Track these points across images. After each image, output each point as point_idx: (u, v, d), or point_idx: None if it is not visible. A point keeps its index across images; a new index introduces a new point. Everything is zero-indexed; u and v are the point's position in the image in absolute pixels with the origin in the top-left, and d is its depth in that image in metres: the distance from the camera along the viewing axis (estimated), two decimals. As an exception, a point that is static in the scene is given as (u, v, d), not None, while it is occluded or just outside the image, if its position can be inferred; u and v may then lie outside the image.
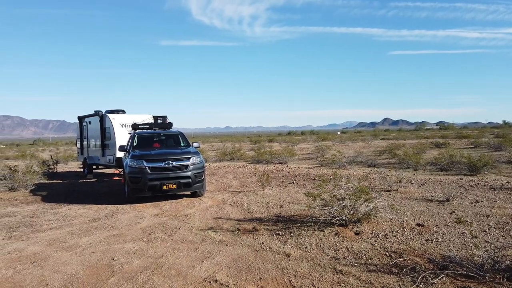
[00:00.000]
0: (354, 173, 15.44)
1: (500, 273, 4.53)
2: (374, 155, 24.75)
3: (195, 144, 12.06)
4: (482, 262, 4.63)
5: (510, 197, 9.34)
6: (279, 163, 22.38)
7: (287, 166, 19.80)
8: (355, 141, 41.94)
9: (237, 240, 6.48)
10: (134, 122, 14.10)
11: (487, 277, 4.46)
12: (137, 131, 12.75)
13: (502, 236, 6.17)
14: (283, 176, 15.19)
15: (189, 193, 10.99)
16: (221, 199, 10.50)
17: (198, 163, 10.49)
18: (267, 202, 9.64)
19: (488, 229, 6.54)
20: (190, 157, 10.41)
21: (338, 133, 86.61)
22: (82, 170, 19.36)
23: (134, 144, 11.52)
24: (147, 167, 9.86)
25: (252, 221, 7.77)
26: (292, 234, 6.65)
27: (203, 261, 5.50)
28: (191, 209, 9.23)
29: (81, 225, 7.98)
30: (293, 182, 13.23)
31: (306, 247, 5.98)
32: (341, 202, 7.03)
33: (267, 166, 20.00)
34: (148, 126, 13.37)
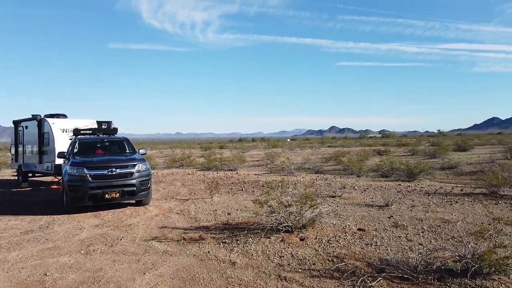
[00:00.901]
0: (302, 179, 15.80)
1: (432, 274, 4.83)
2: (321, 162, 25.54)
3: (142, 151, 11.68)
4: (416, 264, 4.92)
5: (442, 202, 10.05)
6: (229, 170, 22.35)
7: (237, 173, 19.82)
8: (303, 148, 43.01)
9: (182, 250, 6.33)
10: (76, 127, 13.38)
11: (420, 278, 4.73)
12: (78, 136, 12.10)
13: (435, 238, 6.60)
14: (232, 183, 15.16)
15: (133, 201, 10.59)
16: (167, 207, 10.24)
17: (144, 170, 10.17)
18: (215, 210, 9.56)
19: (422, 232, 6.98)
20: (136, 164, 10.06)
21: (288, 140, 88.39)
22: (16, 178, 17.99)
23: (75, 150, 10.92)
24: (88, 175, 9.38)
25: (198, 229, 7.66)
26: (238, 242, 6.64)
27: (145, 273, 5.31)
28: (135, 219, 8.89)
29: (11, 238, 7.37)
30: (242, 189, 13.25)
31: (252, 254, 5.99)
32: (287, 208, 7.15)
33: (217, 173, 19.88)
34: (91, 132, 12.74)
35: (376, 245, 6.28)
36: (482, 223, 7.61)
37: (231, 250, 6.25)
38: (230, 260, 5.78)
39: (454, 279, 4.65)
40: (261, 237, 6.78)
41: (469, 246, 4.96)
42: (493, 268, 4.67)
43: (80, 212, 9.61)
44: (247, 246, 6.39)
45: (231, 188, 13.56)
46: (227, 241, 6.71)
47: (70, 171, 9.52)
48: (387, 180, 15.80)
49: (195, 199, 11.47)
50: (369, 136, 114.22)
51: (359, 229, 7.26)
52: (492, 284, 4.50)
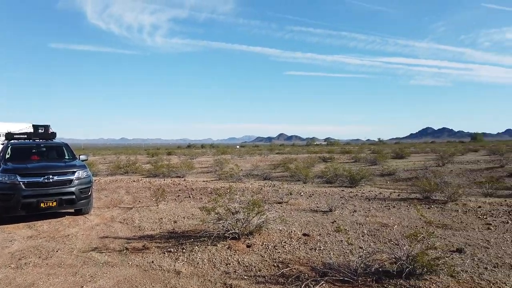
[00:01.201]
0: (250, 186, 15.89)
1: (370, 276, 5.07)
2: (270, 168, 25.89)
3: (82, 157, 11.08)
4: (356, 267, 5.13)
5: (381, 207, 10.61)
6: (177, 176, 21.92)
7: (184, 180, 19.48)
8: (252, 155, 43.35)
9: (125, 261, 6.08)
10: (9, 131, 12.39)
11: (359, 281, 4.95)
12: (11, 141, 11.22)
13: (374, 242, 6.94)
14: (179, 190, 14.87)
15: (72, 210, 10.00)
16: (109, 216, 9.79)
17: (84, 177, 9.64)
18: (161, 218, 9.30)
19: (362, 236, 7.32)
20: (75, 171, 9.52)
21: (237, 147, 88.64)
22: None
23: (7, 156, 10.11)
24: (21, 183, 8.70)
25: (142, 239, 7.40)
26: (184, 250, 6.51)
27: (82, 286, 5.01)
28: (73, 229, 8.39)
29: None
30: (190, 196, 13.04)
31: (198, 263, 5.90)
32: (235, 215, 7.15)
33: (164, 180, 19.39)
34: (26, 136, 11.87)
35: (320, 249, 6.47)
36: (416, 226, 8.14)
37: (176, 259, 6.11)
38: (175, 269, 5.65)
39: (391, 280, 4.92)
40: (208, 245, 6.71)
41: (404, 248, 5.28)
42: (425, 269, 5.00)
43: (12, 223, 8.88)
44: (193, 254, 6.28)
45: (178, 196, 13.30)
46: (172, 250, 6.56)
47: (1, 179, 8.78)
48: (331, 186, 16.37)
49: (139, 207, 11.08)
50: (315, 143, 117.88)
51: (304, 234, 7.44)
52: (424, 283, 4.82)
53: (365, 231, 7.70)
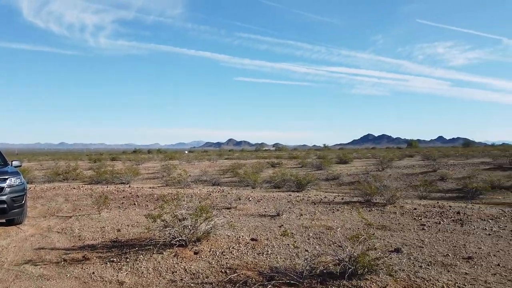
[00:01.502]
0: (198, 192, 15.69)
1: (315, 278, 5.22)
2: (219, 174, 25.78)
3: (15, 163, 10.26)
4: (302, 270, 5.25)
5: (326, 210, 10.98)
6: (121, 183, 21.08)
7: (129, 187, 18.77)
8: (201, 161, 42.87)
9: (62, 273, 5.71)
10: None
11: (305, 283, 5.06)
12: None
13: (319, 244, 7.16)
14: (124, 197, 14.29)
15: (4, 221, 9.21)
16: (46, 226, 9.15)
17: (17, 185, 8.94)
18: (103, 227, 8.87)
19: (308, 239, 7.52)
20: (7, 178, 8.80)
21: (186, 152, 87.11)
22: None
23: None
24: None
25: (83, 249, 7.00)
26: (128, 259, 6.25)
27: (14, 303, 4.63)
28: (4, 241, 7.72)
29: None
30: (135, 204, 12.58)
31: (142, 272, 5.70)
32: (182, 222, 7.00)
33: (107, 187, 18.53)
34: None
35: (267, 253, 6.54)
36: (358, 228, 8.51)
37: (119, 269, 5.85)
38: (118, 280, 5.41)
39: (334, 281, 5.10)
40: (153, 253, 6.51)
41: (347, 250, 5.49)
42: (366, 269, 5.24)
43: None
44: (138, 263, 6.06)
45: (123, 203, 12.77)
46: (115, 259, 6.27)
47: None
48: (279, 191, 16.66)
49: (80, 215, 10.48)
50: (264, 149, 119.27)
51: (252, 239, 7.48)
52: (365, 283, 5.05)
53: (311, 234, 7.91)
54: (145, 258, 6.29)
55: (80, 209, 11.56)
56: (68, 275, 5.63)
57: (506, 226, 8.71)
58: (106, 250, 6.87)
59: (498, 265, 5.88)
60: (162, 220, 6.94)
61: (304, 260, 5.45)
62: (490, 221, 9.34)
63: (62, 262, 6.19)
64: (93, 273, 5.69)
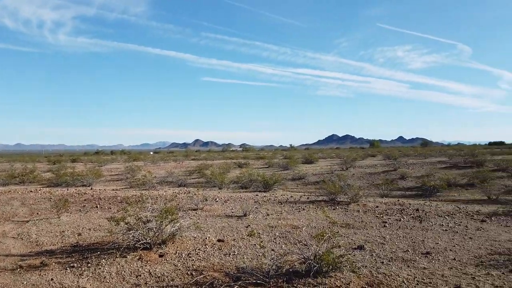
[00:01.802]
0: (164, 193, 15.41)
1: (282, 277, 5.26)
2: (185, 175, 25.46)
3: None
4: (268, 269, 5.29)
5: (292, 209, 11.11)
6: (83, 185, 20.34)
7: (91, 189, 18.10)
8: (167, 162, 42.15)
9: (18, 280, 5.42)
10: None
11: (271, 282, 5.10)
12: None
13: (285, 243, 7.23)
14: (85, 200, 13.77)
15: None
16: (0, 231, 8.65)
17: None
18: (63, 231, 8.50)
19: (275, 239, 7.58)
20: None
21: (151, 153, 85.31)
22: None
23: None
24: None
25: (40, 254, 6.68)
26: (90, 264, 6.03)
27: (-37, 315, 4.35)
28: (-47, 248, 7.23)
29: None
30: (97, 206, 12.16)
31: (105, 277, 5.52)
32: (146, 224, 6.85)
33: (67, 190, 17.78)
34: None
35: (234, 254, 6.52)
36: (323, 227, 8.68)
37: (80, 274, 5.64)
38: (79, 286, 5.21)
39: (300, 280, 5.17)
40: (116, 257, 6.32)
41: (312, 248, 5.59)
42: (330, 266, 5.35)
43: None
44: (100, 268, 5.86)
45: (84, 206, 12.31)
46: (75, 265, 6.03)
47: None
48: (246, 191, 16.67)
49: (38, 220, 9.99)
50: (231, 149, 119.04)
51: (219, 240, 7.44)
52: (330, 280, 5.16)
53: (277, 234, 7.98)
54: (108, 263, 6.10)
55: (38, 213, 11.02)
56: (25, 282, 5.36)
57: (461, 222, 9.19)
58: (66, 255, 6.60)
59: (454, 259, 6.19)
60: (126, 223, 6.76)
61: (270, 260, 5.49)
62: (447, 217, 9.82)
63: (18, 269, 5.88)
64: (52, 279, 5.44)
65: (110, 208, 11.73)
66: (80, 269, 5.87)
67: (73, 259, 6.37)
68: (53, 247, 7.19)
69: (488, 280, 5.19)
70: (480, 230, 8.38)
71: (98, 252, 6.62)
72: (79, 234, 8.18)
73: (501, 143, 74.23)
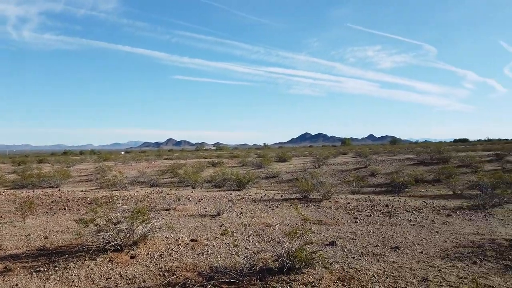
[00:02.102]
0: (135, 194, 15.10)
1: (255, 275, 5.28)
2: (157, 174, 25.06)
3: None
4: (242, 268, 5.29)
5: (266, 207, 11.17)
6: (50, 187, 19.64)
7: (59, 190, 17.51)
8: (139, 161, 41.34)
9: (-21, 287, 5.17)
10: None
11: (245, 281, 5.10)
12: None
13: (258, 241, 7.26)
14: (53, 202, 13.29)
15: None
16: (-40, 237, 8.22)
17: None
18: (28, 235, 8.17)
19: (248, 237, 7.59)
20: None
21: (122, 152, 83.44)
22: None
23: None
24: None
25: (4, 259, 6.39)
26: (57, 268, 5.83)
27: None
28: None
29: None
30: (65, 208, 11.77)
31: (73, 280, 5.35)
32: (117, 226, 6.69)
33: (33, 191, 17.10)
34: None
35: (207, 253, 6.49)
36: (296, 224, 8.78)
37: (46, 279, 5.44)
38: (45, 291, 5.02)
39: (273, 277, 5.21)
40: (86, 259, 6.14)
41: (285, 245, 5.64)
42: (303, 263, 5.42)
43: None
44: (68, 272, 5.67)
45: (51, 208, 11.89)
46: (42, 269, 5.82)
47: None
48: (220, 190, 16.60)
49: (1, 223, 9.55)
50: (204, 148, 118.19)
51: (192, 240, 7.37)
52: (302, 277, 5.23)
53: (251, 232, 8.00)
54: (77, 266, 5.92)
55: (1, 216, 10.54)
56: (-14, 289, 5.12)
57: (428, 217, 9.52)
58: (32, 260, 6.34)
59: (421, 252, 6.41)
60: (95, 224, 6.58)
61: (244, 258, 5.50)
62: (415, 212, 10.15)
63: (-21, 276, 5.60)
64: (17, 285, 5.23)
65: (79, 210, 11.38)
66: (47, 273, 5.66)
67: (40, 263, 6.14)
68: (18, 251, 6.90)
69: (453, 272, 5.41)
70: (446, 224, 8.72)
71: (66, 255, 6.41)
72: (46, 237, 7.89)
73: (465, 140, 77.44)
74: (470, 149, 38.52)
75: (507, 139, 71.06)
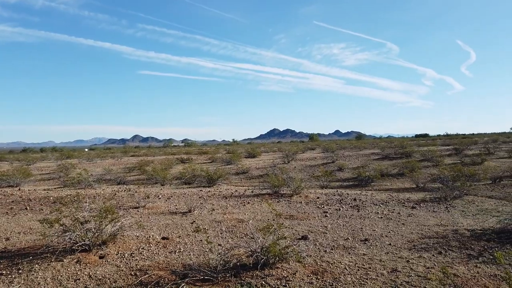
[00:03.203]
0: (102, 192, 14.65)
1: (229, 271, 5.26)
2: (124, 172, 24.43)
3: None
4: (216, 265, 5.25)
5: (237, 203, 11.16)
6: (9, 186, 18.64)
7: (19, 190, 16.66)
8: (104, 159, 40.09)
9: None
10: None
11: (219, 278, 5.08)
12: None
13: (231, 238, 7.25)
14: (13, 201, 12.65)
15: None
16: None
17: None
18: (-13, 237, 7.74)
19: (221, 233, 7.56)
20: None
21: (86, 150, 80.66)
22: None
23: None
24: None
25: (-39, 264, 6.02)
26: (21, 271, 5.56)
27: None
28: None
29: None
30: (27, 208, 11.23)
31: (39, 283, 5.12)
32: (84, 225, 6.47)
33: (-10, 191, 16.20)
34: None
35: (180, 251, 6.40)
36: (268, 219, 8.84)
37: (10, 282, 5.17)
38: (9, 295, 4.77)
39: (248, 273, 5.21)
40: (52, 261, 5.89)
41: (259, 241, 5.66)
42: (277, 258, 5.46)
43: None
44: (33, 274, 5.42)
45: (11, 208, 11.31)
46: (4, 272, 5.52)
47: None
48: (190, 187, 16.42)
49: (-45, 225, 8.99)
50: (172, 145, 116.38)
51: (163, 238, 7.25)
52: (277, 271, 5.27)
53: (224, 228, 7.97)
54: (42, 268, 5.66)
55: (-45, 219, 9.91)
56: None
57: (394, 209, 9.87)
58: (-8, 263, 6.01)
59: (390, 244, 6.64)
60: (61, 224, 6.32)
61: (217, 255, 5.46)
62: (381, 205, 10.49)
63: None
64: (-24, 290, 4.94)
65: (42, 210, 10.90)
66: (10, 276, 5.38)
67: (1, 266, 5.82)
68: (-24, 255, 6.51)
69: (420, 262, 5.65)
70: (411, 216, 9.08)
71: (30, 257, 6.12)
72: (7, 239, 7.50)
73: (426, 135, 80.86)
74: (430, 144, 40.24)
75: (464, 134, 74.91)
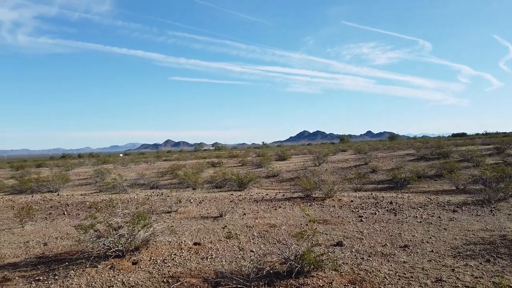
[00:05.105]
0: (135, 196, 14.91)
1: (262, 279, 5.09)
2: (157, 176, 24.84)
3: None
4: (248, 272, 5.09)
5: (268, 207, 10.99)
6: (49, 191, 19.41)
7: (58, 195, 17.30)
8: (138, 163, 41.08)
9: (-24, 299, 4.98)
10: None
11: (252, 286, 4.92)
12: None
13: (264, 244, 7.07)
14: (51, 207, 13.10)
15: None
16: (-44, 246, 8.01)
17: None
18: (27, 242, 7.98)
19: (253, 239, 7.40)
20: None
21: (121, 155, 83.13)
22: None
23: None
24: None
25: (2, 268, 6.20)
26: (57, 277, 5.64)
27: None
28: None
29: None
30: (64, 213, 11.57)
31: (74, 289, 5.16)
32: (117, 231, 6.50)
33: (32, 197, 16.90)
34: None
35: (212, 258, 6.30)
36: (301, 224, 8.60)
37: (46, 288, 5.25)
38: (45, 301, 4.83)
39: (281, 281, 5.02)
40: (86, 267, 5.95)
41: (292, 248, 5.46)
42: (312, 266, 5.24)
43: None
44: (68, 280, 5.48)
45: (50, 213, 11.68)
46: (41, 278, 5.62)
47: None
48: (221, 191, 16.41)
49: (-1, 230, 9.36)
50: (203, 149, 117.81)
51: (195, 244, 7.19)
52: (312, 280, 5.04)
53: (255, 234, 7.82)
54: (77, 274, 5.72)
55: (-1, 223, 10.34)
56: (-16, 301, 4.92)
57: (434, 213, 9.36)
58: (30, 268, 6.15)
59: (432, 251, 6.24)
60: (95, 230, 6.39)
61: (250, 262, 5.31)
62: (420, 209, 9.99)
63: (-24, 287, 5.41)
64: (15, 296, 5.03)
65: (79, 215, 11.19)
66: (46, 282, 5.47)
67: (39, 271, 5.94)
68: (16, 260, 6.70)
69: (467, 271, 5.25)
70: (453, 220, 8.56)
71: (66, 263, 6.22)
72: (45, 244, 7.70)
73: (463, 135, 77.37)
74: (469, 143, 38.38)
75: (505, 132, 70.95)
